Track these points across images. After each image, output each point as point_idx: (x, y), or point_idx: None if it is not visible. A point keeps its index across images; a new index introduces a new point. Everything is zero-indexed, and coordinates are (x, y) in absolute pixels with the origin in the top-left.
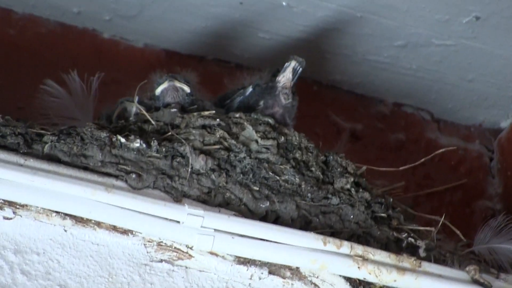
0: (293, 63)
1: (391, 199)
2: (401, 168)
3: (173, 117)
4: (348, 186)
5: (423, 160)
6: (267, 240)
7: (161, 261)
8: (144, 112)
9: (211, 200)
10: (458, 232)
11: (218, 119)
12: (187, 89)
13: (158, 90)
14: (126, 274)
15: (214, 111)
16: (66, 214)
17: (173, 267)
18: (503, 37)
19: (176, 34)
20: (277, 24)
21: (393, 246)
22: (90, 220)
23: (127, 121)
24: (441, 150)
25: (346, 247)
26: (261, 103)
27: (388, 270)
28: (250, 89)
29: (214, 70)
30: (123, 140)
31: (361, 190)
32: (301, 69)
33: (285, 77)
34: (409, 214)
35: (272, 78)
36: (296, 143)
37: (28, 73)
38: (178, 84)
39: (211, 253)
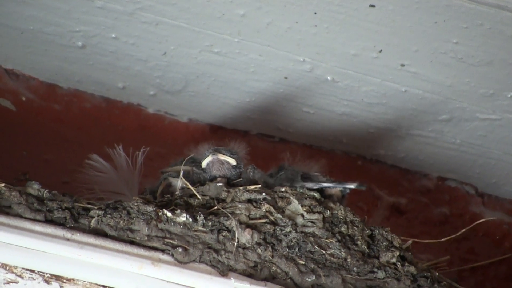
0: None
1: (436, 273)
2: (443, 239)
3: (219, 191)
4: (394, 260)
5: (463, 230)
6: None
7: None
8: (190, 186)
9: (257, 274)
10: None
11: (263, 193)
12: (232, 161)
13: (204, 164)
14: None
15: (259, 185)
16: None
17: None
18: None
19: (220, 109)
20: (321, 99)
21: None
22: None
23: (172, 195)
24: (480, 220)
25: None
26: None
27: None
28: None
29: (258, 144)
30: (169, 214)
31: (406, 264)
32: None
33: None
34: None
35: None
36: (341, 217)
37: (73, 148)
38: (222, 157)
39: None
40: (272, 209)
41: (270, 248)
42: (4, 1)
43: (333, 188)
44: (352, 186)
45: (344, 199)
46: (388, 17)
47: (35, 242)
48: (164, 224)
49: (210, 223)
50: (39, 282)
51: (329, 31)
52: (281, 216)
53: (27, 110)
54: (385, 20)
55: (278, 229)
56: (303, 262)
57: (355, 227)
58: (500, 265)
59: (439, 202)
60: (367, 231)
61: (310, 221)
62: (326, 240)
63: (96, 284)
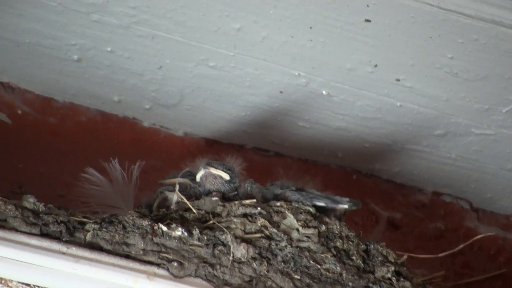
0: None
1: None
2: (440, 254)
3: (214, 205)
4: (389, 275)
5: (461, 246)
6: None
7: None
8: (186, 200)
9: None
10: None
11: (259, 208)
12: (225, 176)
13: (197, 177)
14: None
15: (255, 200)
16: None
17: None
18: None
19: (215, 123)
20: (316, 113)
21: None
22: None
23: (168, 209)
24: (479, 236)
25: None
26: None
27: None
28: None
29: (253, 158)
30: (164, 228)
31: (402, 279)
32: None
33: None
34: None
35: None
36: (337, 232)
37: (68, 161)
38: (214, 171)
39: None
40: (267, 224)
41: (265, 263)
42: (0, 14)
43: (327, 206)
44: (345, 206)
45: (345, 213)
46: (384, 31)
47: (31, 255)
48: (160, 238)
49: (205, 238)
50: None
51: (325, 45)
52: (276, 231)
53: (22, 123)
54: (380, 34)
55: (273, 243)
56: (299, 277)
57: (350, 242)
58: (495, 280)
59: (434, 217)
60: (362, 246)
61: (305, 236)
62: (322, 255)
63: None
